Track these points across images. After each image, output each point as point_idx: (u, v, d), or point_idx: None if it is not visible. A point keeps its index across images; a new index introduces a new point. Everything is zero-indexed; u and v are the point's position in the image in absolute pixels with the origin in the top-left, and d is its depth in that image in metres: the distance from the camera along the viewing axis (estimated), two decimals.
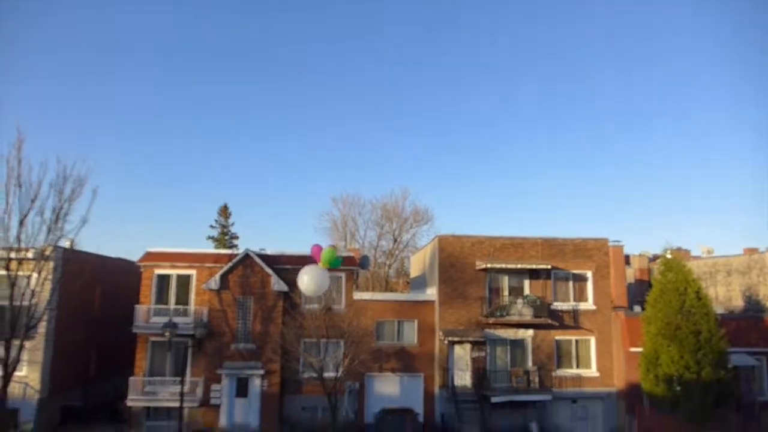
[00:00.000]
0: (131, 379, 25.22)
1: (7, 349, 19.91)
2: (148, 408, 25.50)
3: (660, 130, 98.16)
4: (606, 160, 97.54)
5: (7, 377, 20.14)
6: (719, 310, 27.95)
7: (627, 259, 39.70)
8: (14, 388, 23.16)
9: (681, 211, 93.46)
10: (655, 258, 41.03)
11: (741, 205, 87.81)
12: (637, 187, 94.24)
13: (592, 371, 27.02)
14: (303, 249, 24.62)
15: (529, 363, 26.65)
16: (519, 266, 26.80)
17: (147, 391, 25.17)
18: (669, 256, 24.42)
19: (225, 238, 50.79)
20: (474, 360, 26.34)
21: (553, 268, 27.29)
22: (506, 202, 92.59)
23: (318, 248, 12.98)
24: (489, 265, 26.48)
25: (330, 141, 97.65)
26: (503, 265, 26.76)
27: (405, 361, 27.16)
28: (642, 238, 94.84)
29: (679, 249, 40.53)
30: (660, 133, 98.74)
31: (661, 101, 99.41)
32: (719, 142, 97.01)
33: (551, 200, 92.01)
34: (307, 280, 12.49)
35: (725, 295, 34.23)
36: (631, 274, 40.73)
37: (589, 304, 27.52)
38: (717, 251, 38.96)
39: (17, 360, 20.54)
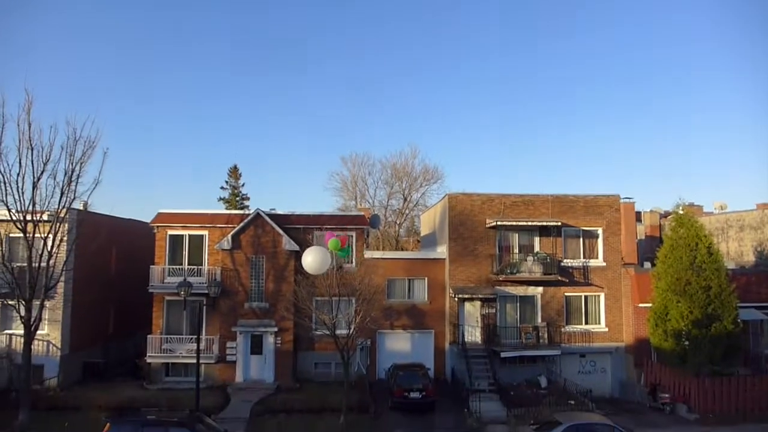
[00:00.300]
0: (149, 337, 25.93)
1: (28, 309, 20.46)
2: (166, 364, 26.30)
3: (675, 83, 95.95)
4: (619, 116, 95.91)
5: (30, 335, 20.77)
6: (730, 265, 27.92)
7: (638, 216, 39.52)
8: (38, 346, 23.99)
9: (695, 167, 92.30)
10: (666, 214, 40.75)
11: (755, 161, 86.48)
12: (650, 143, 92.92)
13: (601, 326, 27.31)
14: (313, 209, 24.73)
15: (539, 319, 26.97)
16: (529, 223, 26.79)
17: (165, 348, 25.90)
18: (681, 212, 24.26)
19: (236, 199, 51.06)
20: (484, 317, 26.70)
21: (564, 225, 27.25)
22: (517, 160, 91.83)
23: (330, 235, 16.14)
24: (499, 223, 26.49)
25: (339, 99, 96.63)
26: (513, 223, 26.77)
27: (416, 318, 27.58)
28: (655, 195, 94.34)
29: (691, 205, 40.11)
30: (676, 87, 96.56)
31: (673, 53, 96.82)
32: (736, 96, 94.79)
33: (563, 158, 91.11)
34: (310, 260, 14.43)
35: (737, 251, 34.12)
36: (642, 230, 40.61)
37: (599, 261, 27.58)
38: (730, 207, 38.62)
39: (39, 319, 21.11)
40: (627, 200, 29.23)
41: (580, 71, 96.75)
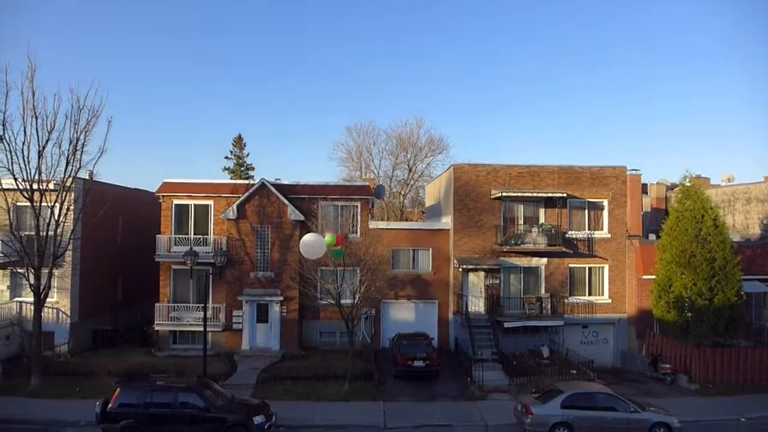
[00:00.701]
0: (157, 305, 26.27)
1: (38, 277, 20.74)
2: (173, 332, 26.70)
3: (683, 52, 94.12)
4: (627, 86, 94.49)
5: (40, 303, 21.09)
6: (736, 237, 27.85)
7: (644, 188, 39.31)
8: (48, 313, 24.39)
9: (703, 139, 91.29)
10: (673, 187, 40.52)
11: (765, 133, 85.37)
12: (658, 116, 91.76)
13: (605, 298, 27.46)
14: (318, 179, 24.69)
15: (542, 290, 27.11)
16: (534, 194, 26.70)
17: (172, 316, 26.27)
18: (688, 183, 24.10)
19: (240, 169, 51.05)
20: (488, 287, 26.86)
21: (569, 196, 27.14)
22: (523, 132, 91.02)
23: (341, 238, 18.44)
24: (504, 194, 26.41)
25: (343, 68, 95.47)
26: (518, 194, 26.67)
27: (420, 288, 27.79)
28: (662, 167, 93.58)
29: (698, 177, 39.85)
30: (684, 56, 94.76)
31: (679, 20, 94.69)
32: (746, 67, 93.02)
33: (570, 129, 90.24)
34: (305, 249, 17.24)
35: (743, 223, 34.01)
36: (647, 202, 40.47)
37: (604, 233, 27.55)
38: (738, 179, 38.35)
39: (48, 287, 21.45)
40: (634, 172, 29.04)
41: (584, 36, 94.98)
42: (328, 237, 18.21)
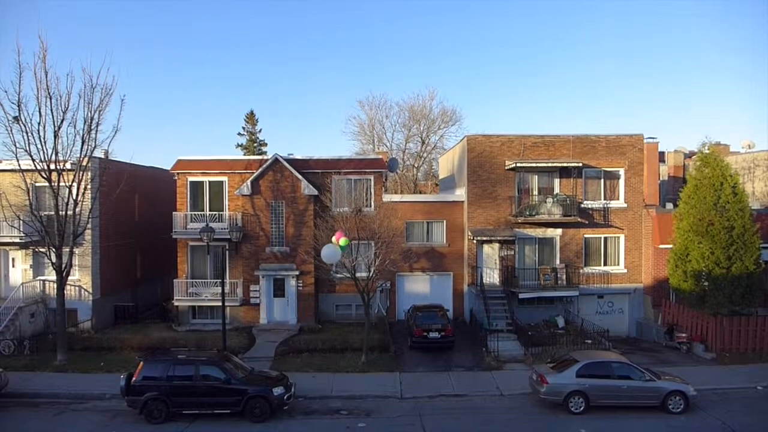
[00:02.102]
0: (175, 281, 26.73)
1: (59, 256, 21.17)
2: (192, 307, 27.22)
3: (702, 19, 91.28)
4: (645, 53, 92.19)
5: (62, 281, 21.57)
6: (755, 205, 27.41)
7: (661, 156, 38.63)
8: (70, 291, 25.01)
9: (724, 106, 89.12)
10: (691, 154, 39.81)
11: None
12: (678, 81, 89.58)
13: (620, 268, 27.33)
14: (331, 153, 24.66)
15: (557, 261, 27.06)
16: (549, 165, 26.42)
17: (191, 292, 26.73)
18: (706, 151, 23.63)
19: (253, 145, 51.13)
20: (502, 258, 26.86)
21: (585, 165, 26.82)
22: (538, 101, 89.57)
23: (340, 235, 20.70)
24: (518, 164, 26.18)
25: (354, 40, 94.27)
26: (533, 164, 26.43)
27: (434, 260, 27.89)
28: (680, 135, 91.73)
29: (717, 144, 39.09)
30: (703, 23, 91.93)
31: None
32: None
33: (585, 98, 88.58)
34: (326, 258, 20.16)
35: (763, 191, 33.40)
36: (665, 171, 39.85)
37: (620, 202, 27.28)
38: (759, 146, 37.50)
39: (69, 265, 21.88)
40: (651, 140, 28.53)
41: (600, 6, 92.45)
42: (342, 241, 20.66)
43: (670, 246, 24.13)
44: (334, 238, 20.75)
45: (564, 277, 26.57)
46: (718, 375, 20.03)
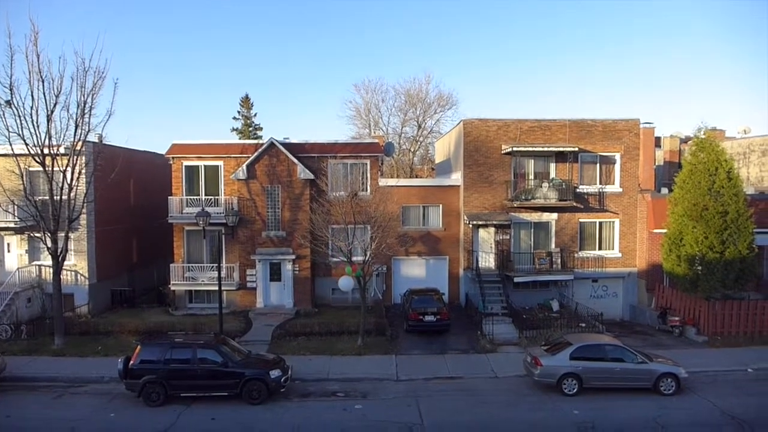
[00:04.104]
0: (172, 265, 26.76)
1: (54, 241, 21.12)
2: (189, 291, 27.29)
3: (697, 3, 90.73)
4: (641, 36, 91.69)
5: (58, 266, 21.56)
6: (750, 190, 27.51)
7: (657, 141, 38.69)
8: (66, 276, 24.99)
9: (719, 91, 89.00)
10: (687, 139, 39.89)
11: None
12: (675, 66, 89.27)
13: (615, 252, 27.51)
14: (327, 137, 24.56)
15: (553, 245, 27.19)
16: (545, 149, 26.42)
17: (187, 276, 26.78)
18: (702, 136, 23.65)
19: (249, 129, 50.88)
20: (498, 243, 26.98)
21: (581, 150, 26.84)
22: (534, 86, 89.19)
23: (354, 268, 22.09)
24: (515, 149, 26.17)
25: (350, 23, 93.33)
26: (529, 148, 26.43)
27: (430, 244, 27.99)
28: (676, 120, 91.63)
29: (713, 129, 39.14)
30: (699, 6, 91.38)
31: None
32: (765, 15, 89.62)
33: (581, 82, 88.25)
34: (343, 287, 23.01)
35: (758, 176, 33.54)
36: (660, 156, 39.94)
37: (615, 187, 27.36)
38: (755, 132, 37.58)
39: (65, 250, 21.85)
40: (647, 125, 28.55)
41: None
42: (356, 273, 22.02)
43: (665, 230, 24.27)
44: (349, 269, 22.31)
45: (559, 261, 26.73)
46: (710, 358, 20.28)
